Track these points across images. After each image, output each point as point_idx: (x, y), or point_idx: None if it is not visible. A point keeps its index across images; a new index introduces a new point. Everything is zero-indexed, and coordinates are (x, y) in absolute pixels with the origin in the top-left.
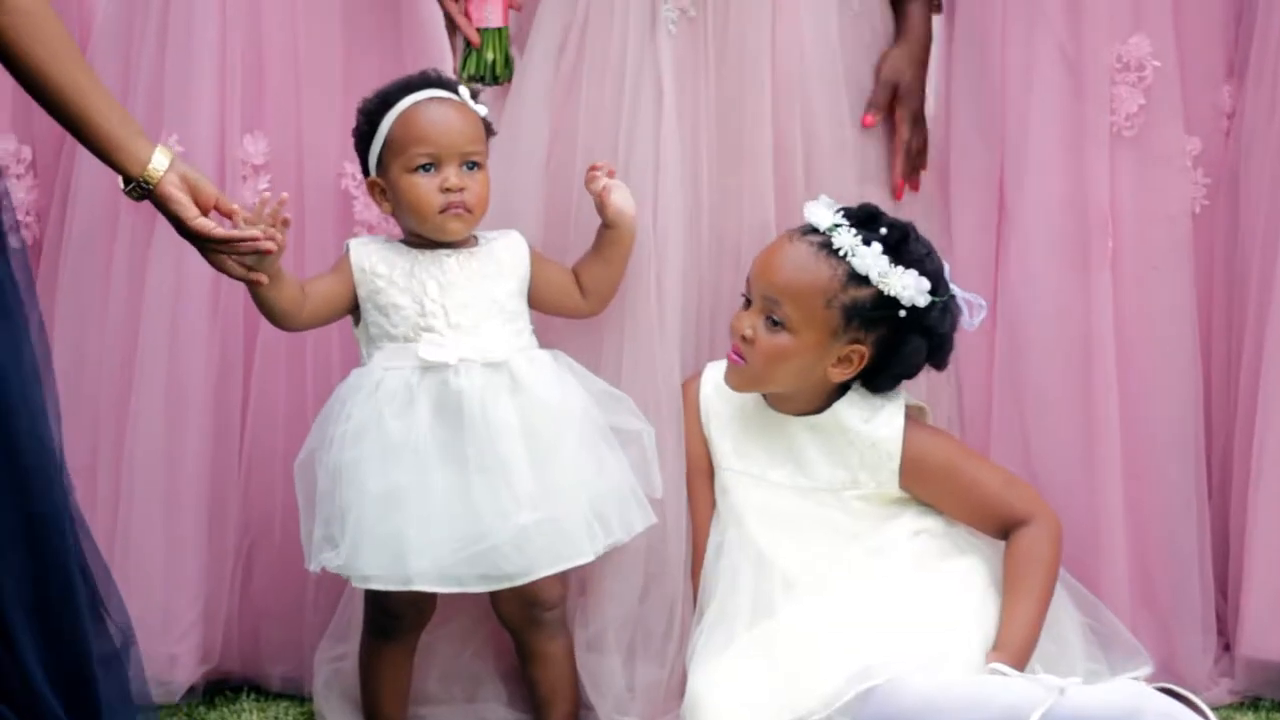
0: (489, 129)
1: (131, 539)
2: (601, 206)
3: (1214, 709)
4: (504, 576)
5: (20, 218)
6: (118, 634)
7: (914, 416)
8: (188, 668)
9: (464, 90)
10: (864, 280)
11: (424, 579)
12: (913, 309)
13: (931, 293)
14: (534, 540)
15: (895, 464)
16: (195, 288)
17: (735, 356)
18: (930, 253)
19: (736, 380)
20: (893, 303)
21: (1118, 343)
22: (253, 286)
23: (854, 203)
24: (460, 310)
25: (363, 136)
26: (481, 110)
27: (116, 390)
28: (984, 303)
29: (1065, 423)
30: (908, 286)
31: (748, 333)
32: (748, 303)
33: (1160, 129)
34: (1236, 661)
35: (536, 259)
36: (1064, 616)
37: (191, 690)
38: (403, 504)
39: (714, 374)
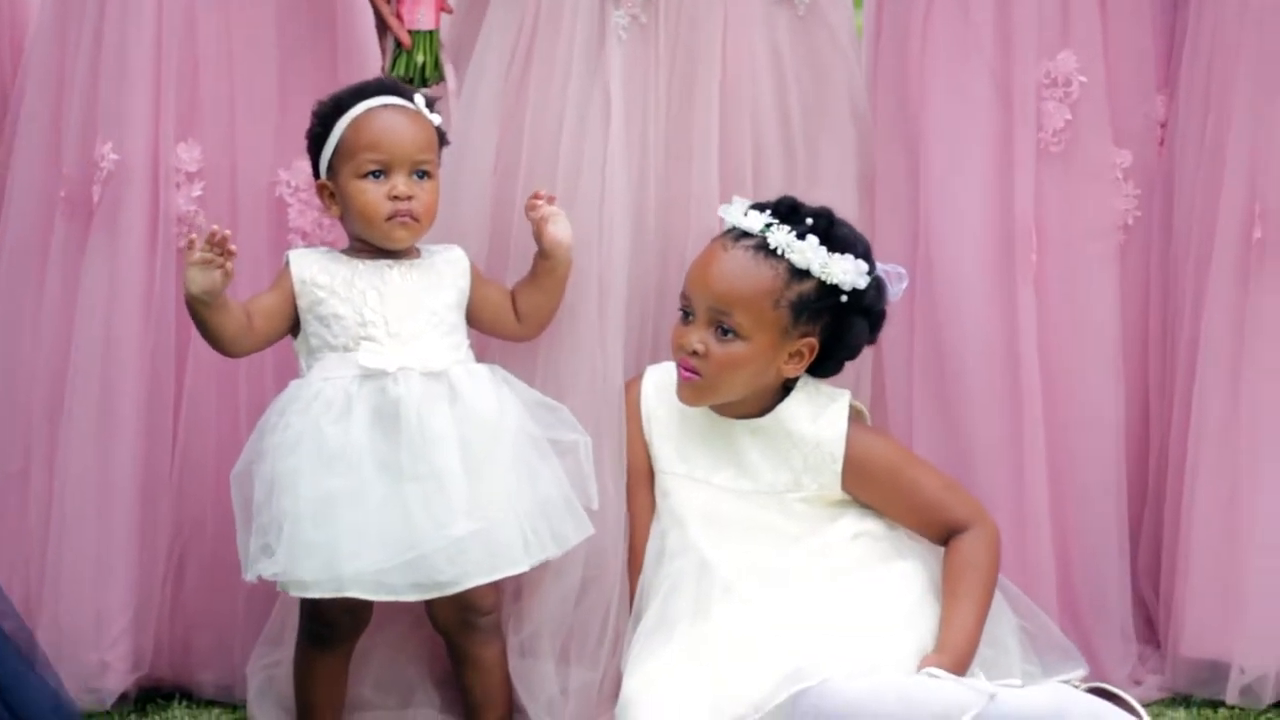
0: (442, 138)
1: (64, 545)
2: (538, 235)
3: (1144, 705)
4: (436, 585)
5: None
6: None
7: (856, 419)
8: (119, 674)
9: (419, 98)
10: (805, 274)
11: (358, 585)
12: (853, 292)
13: (867, 273)
14: (467, 551)
15: (838, 466)
16: (128, 296)
17: (688, 373)
18: (854, 232)
19: (692, 395)
20: (834, 290)
21: (1043, 357)
22: (197, 315)
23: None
24: (400, 320)
25: (315, 139)
26: (435, 119)
27: (49, 396)
28: (903, 271)
29: (990, 436)
30: (847, 271)
31: (699, 347)
32: (686, 315)
33: (1088, 144)
34: (1167, 659)
35: (477, 276)
36: (1001, 620)
37: (123, 698)
38: (337, 510)
39: (655, 376)
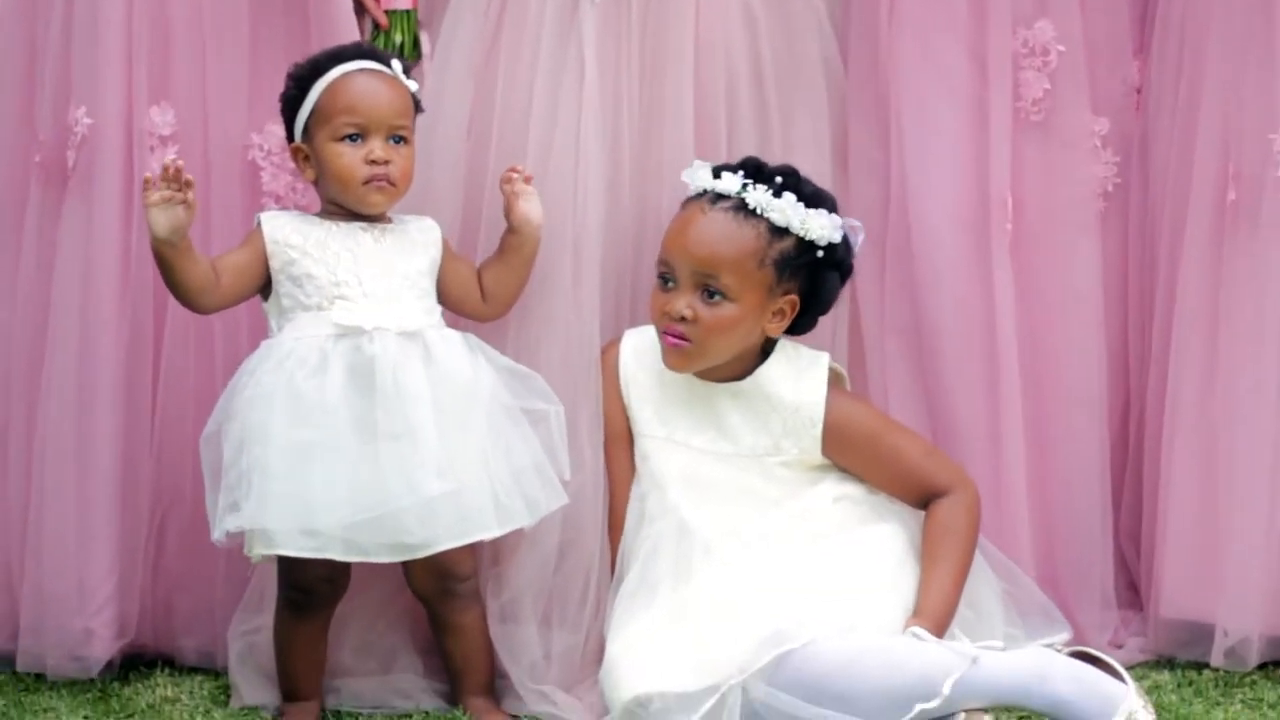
0: (418, 105)
1: (44, 514)
2: (509, 210)
3: (1127, 668)
4: (406, 548)
5: None
6: None
7: (835, 383)
8: (104, 642)
9: (396, 64)
10: (784, 231)
11: (329, 542)
12: (828, 247)
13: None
14: (438, 512)
15: (818, 430)
16: (104, 260)
17: (676, 340)
18: (820, 188)
19: (681, 361)
20: (811, 246)
21: (1024, 325)
22: (164, 260)
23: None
24: (374, 280)
25: (290, 102)
26: (412, 86)
27: (27, 364)
28: (859, 224)
29: (967, 406)
30: (824, 227)
31: (687, 313)
32: (666, 282)
33: (1067, 112)
34: (1149, 622)
35: (448, 249)
36: (982, 584)
37: (108, 665)
38: (310, 462)
39: (633, 340)
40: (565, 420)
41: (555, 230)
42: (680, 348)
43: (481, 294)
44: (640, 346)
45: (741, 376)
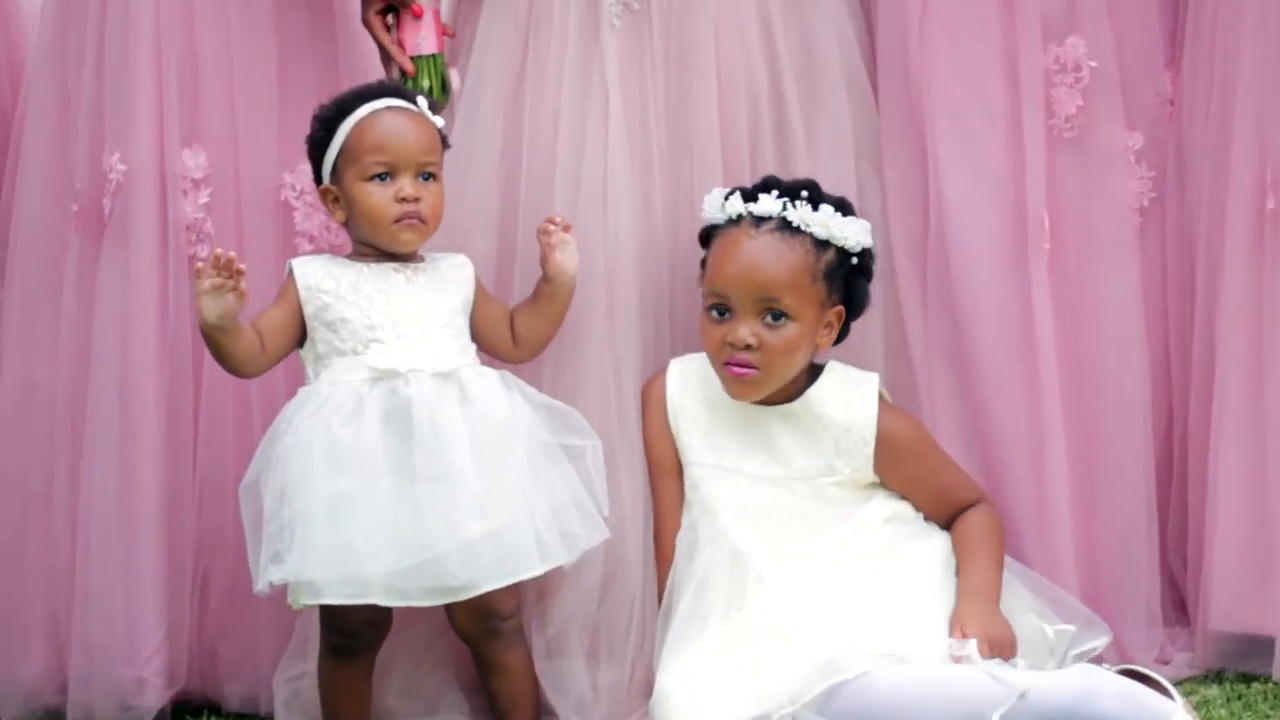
0: (445, 142)
1: (91, 564)
2: (544, 260)
3: (1176, 684)
4: (450, 590)
5: None
6: None
7: (883, 399)
8: (156, 690)
9: (421, 101)
10: (826, 244)
11: (372, 589)
12: (861, 253)
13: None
14: (481, 553)
15: (870, 449)
16: (142, 307)
17: (742, 369)
18: (841, 197)
19: (749, 390)
20: (848, 254)
21: (1062, 343)
22: (212, 342)
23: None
24: (408, 322)
25: (317, 143)
26: (438, 122)
27: (69, 416)
28: (869, 224)
29: (1008, 423)
30: (858, 233)
31: (752, 341)
32: (721, 313)
33: (1100, 128)
34: (1198, 636)
35: (481, 289)
36: (1018, 605)
37: (159, 715)
38: (350, 511)
39: (679, 369)
40: (603, 455)
41: (588, 261)
42: (747, 376)
43: (513, 337)
44: (686, 375)
45: (792, 398)
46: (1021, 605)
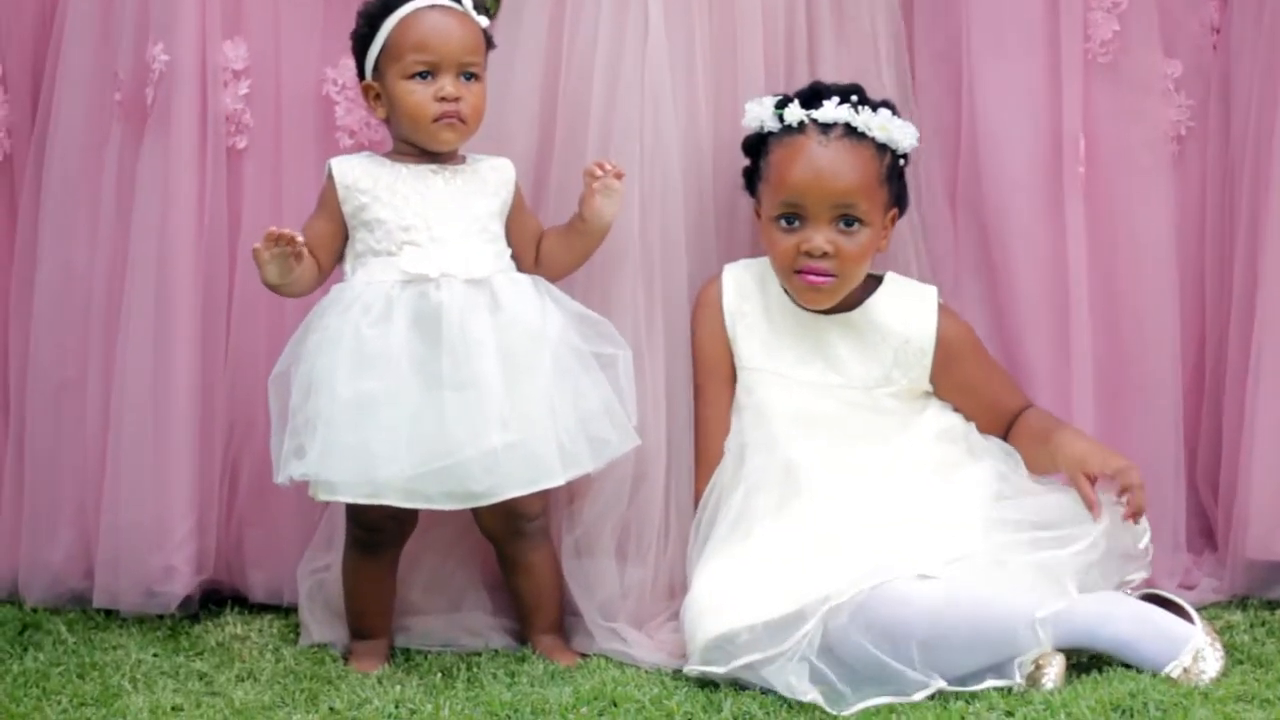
0: (489, 42)
1: (123, 451)
2: (584, 200)
3: (1200, 609)
4: (470, 495)
5: None
6: None
7: (942, 304)
8: (183, 577)
9: (467, 0)
10: (885, 147)
11: (390, 491)
12: (905, 155)
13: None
14: (502, 463)
15: (928, 360)
16: (181, 197)
17: (818, 278)
18: (884, 99)
19: (825, 297)
20: (899, 156)
21: (1097, 268)
22: (278, 292)
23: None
24: (443, 225)
25: (360, 39)
26: (483, 22)
27: (106, 303)
28: None
29: (1038, 347)
30: (908, 135)
31: (828, 248)
32: (790, 221)
33: (1136, 54)
34: (1228, 563)
35: (519, 197)
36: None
37: (185, 600)
38: (373, 412)
39: (735, 275)
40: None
41: (626, 158)
42: (823, 284)
43: (537, 257)
44: (743, 281)
45: (851, 308)
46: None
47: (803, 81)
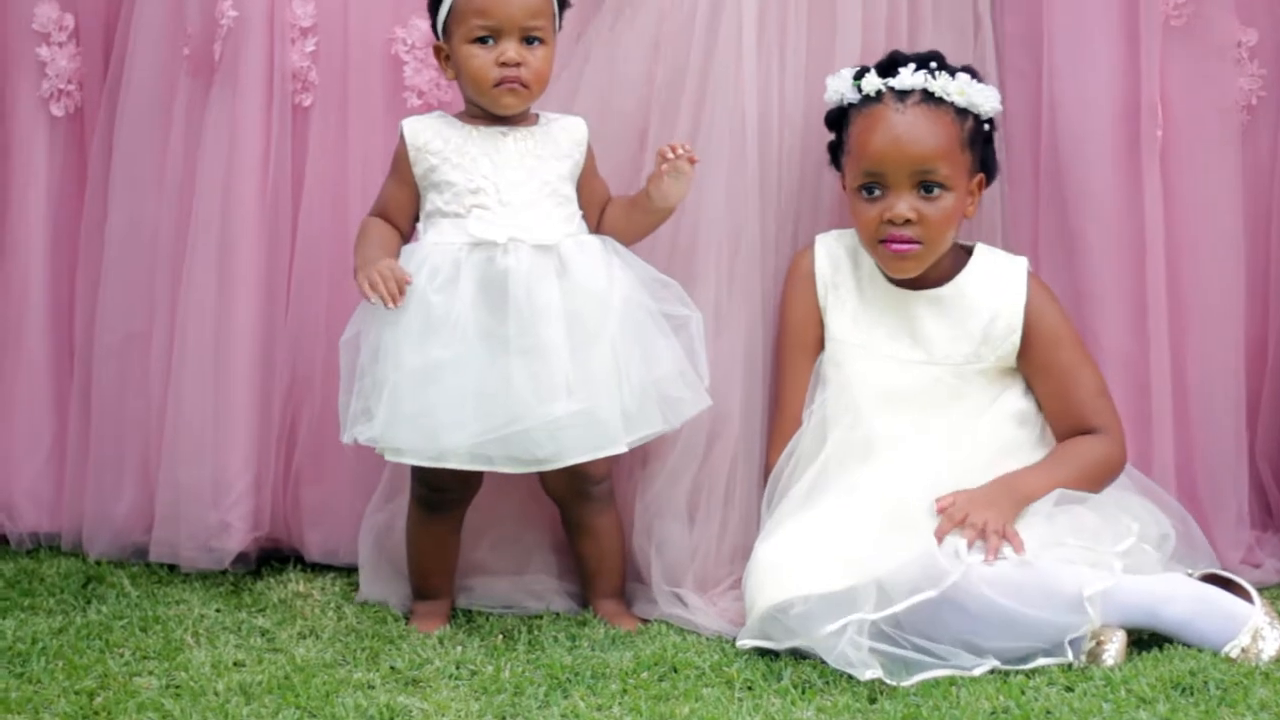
0: (564, 3)
1: (183, 405)
2: (653, 179)
3: (1262, 589)
4: (535, 460)
5: (62, 86)
6: None
7: (1035, 280)
8: (239, 534)
9: None
10: (965, 112)
11: (455, 456)
12: (990, 120)
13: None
14: (567, 429)
15: (1016, 337)
16: (247, 153)
17: (903, 245)
18: (966, 65)
19: (912, 265)
20: (982, 121)
21: (1166, 232)
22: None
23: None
24: (512, 188)
25: (432, 0)
26: None
27: (171, 257)
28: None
29: (1116, 312)
30: (989, 98)
31: (912, 215)
32: (871, 191)
33: (1211, 19)
34: None
35: (591, 160)
36: (1151, 524)
37: (241, 557)
38: (439, 379)
39: (828, 246)
40: (708, 320)
41: (716, 127)
42: (908, 252)
43: (600, 222)
44: (836, 253)
45: (941, 282)
46: (1128, 509)
47: None
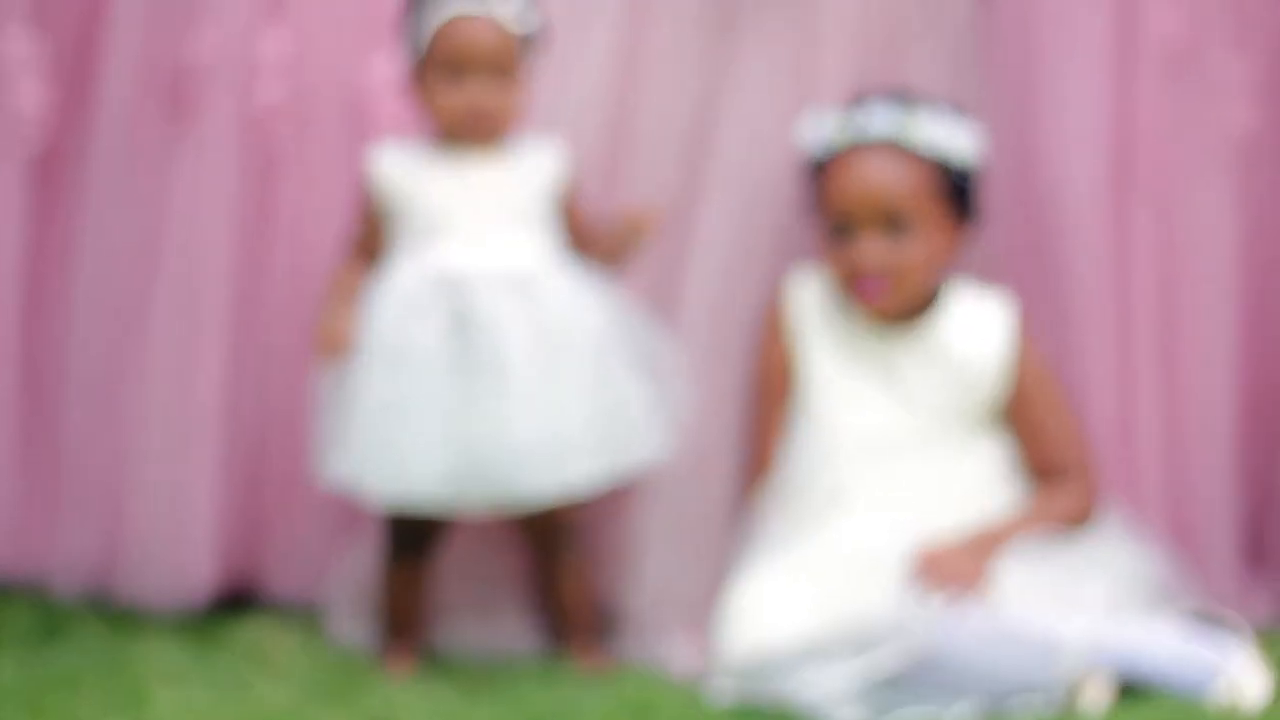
0: (533, 42)
1: (150, 445)
2: (610, 237)
3: (1255, 632)
4: (503, 496)
5: (31, 125)
6: None
7: (1014, 325)
8: (205, 575)
9: (506, 5)
10: (936, 153)
11: (423, 490)
12: (971, 160)
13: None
14: (532, 460)
15: (997, 383)
16: (216, 198)
17: (873, 289)
18: (942, 103)
19: (886, 304)
20: (957, 161)
21: (1157, 270)
22: None
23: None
24: (481, 216)
25: (403, 30)
26: (517, 25)
27: (142, 298)
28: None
29: (1102, 349)
30: (967, 139)
31: (880, 258)
32: (842, 233)
33: (1203, 50)
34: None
35: (571, 185)
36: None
37: (209, 597)
38: (402, 413)
39: (806, 285)
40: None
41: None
42: (878, 296)
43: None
44: (812, 294)
45: (920, 325)
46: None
47: None
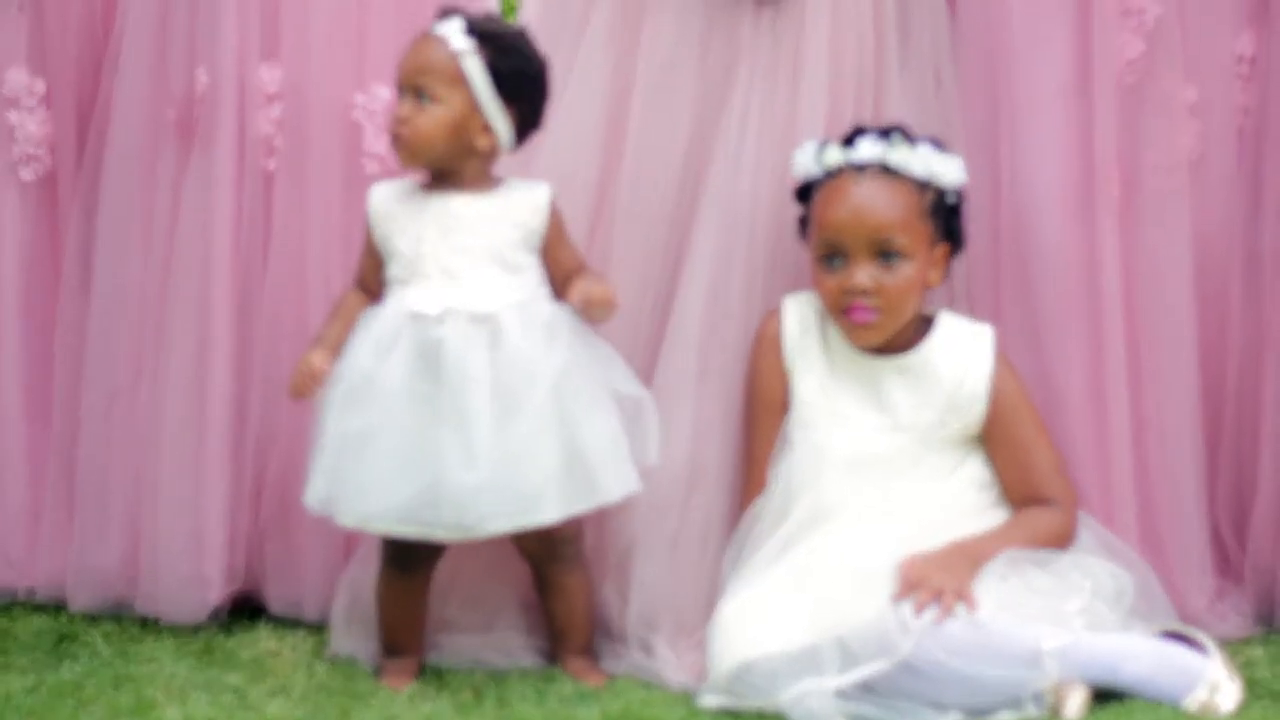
0: (474, 64)
1: (164, 460)
2: (579, 304)
3: (1227, 643)
4: (461, 528)
5: (31, 150)
6: None
7: (998, 351)
8: (216, 588)
9: (449, 23)
10: (926, 183)
11: (383, 520)
12: (958, 189)
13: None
14: (485, 498)
15: (982, 405)
16: (220, 218)
17: (864, 314)
18: (931, 137)
19: (873, 334)
20: (945, 191)
21: (1124, 289)
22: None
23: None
24: (456, 256)
25: None
26: (463, 45)
27: (155, 316)
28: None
29: (1074, 371)
30: (954, 170)
31: (870, 285)
32: (831, 261)
33: (1159, 77)
34: (1249, 597)
35: (557, 228)
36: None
37: (215, 611)
38: (369, 445)
39: (796, 310)
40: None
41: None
42: (868, 321)
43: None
44: (805, 316)
45: (906, 350)
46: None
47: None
